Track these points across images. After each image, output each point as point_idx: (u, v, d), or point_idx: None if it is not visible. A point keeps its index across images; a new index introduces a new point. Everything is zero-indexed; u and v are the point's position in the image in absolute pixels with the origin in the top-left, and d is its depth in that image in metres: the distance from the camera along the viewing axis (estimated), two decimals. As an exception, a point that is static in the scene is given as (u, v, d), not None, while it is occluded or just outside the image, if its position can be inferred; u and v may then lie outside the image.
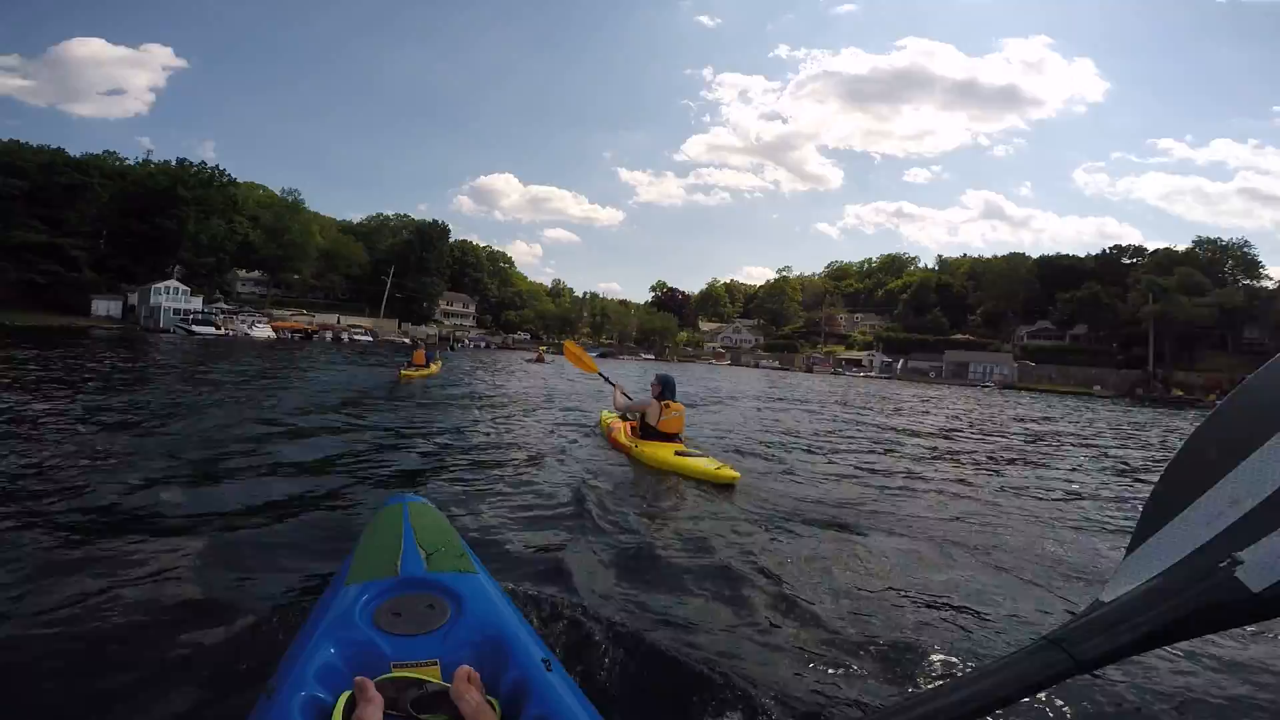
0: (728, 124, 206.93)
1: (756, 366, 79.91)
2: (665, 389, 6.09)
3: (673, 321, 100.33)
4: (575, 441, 6.99)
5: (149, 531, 3.21)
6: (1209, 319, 65.72)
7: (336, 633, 1.28)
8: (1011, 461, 8.77)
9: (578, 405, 11.38)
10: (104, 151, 61.88)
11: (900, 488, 5.92)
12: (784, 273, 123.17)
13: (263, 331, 51.55)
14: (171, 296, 54.12)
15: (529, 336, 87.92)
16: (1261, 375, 0.87)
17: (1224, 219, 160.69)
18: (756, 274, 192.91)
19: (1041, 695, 2.00)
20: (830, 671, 2.22)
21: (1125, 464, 9.45)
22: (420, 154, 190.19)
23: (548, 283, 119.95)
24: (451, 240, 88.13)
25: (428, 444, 6.32)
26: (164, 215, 56.55)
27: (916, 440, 10.66)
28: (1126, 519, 5.14)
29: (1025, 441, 11.89)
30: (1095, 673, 1.44)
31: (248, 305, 63.63)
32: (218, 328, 49.68)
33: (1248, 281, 73.23)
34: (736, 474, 5.20)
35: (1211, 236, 79.16)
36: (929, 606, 2.88)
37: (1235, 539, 0.76)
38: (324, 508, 3.81)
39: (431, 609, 1.35)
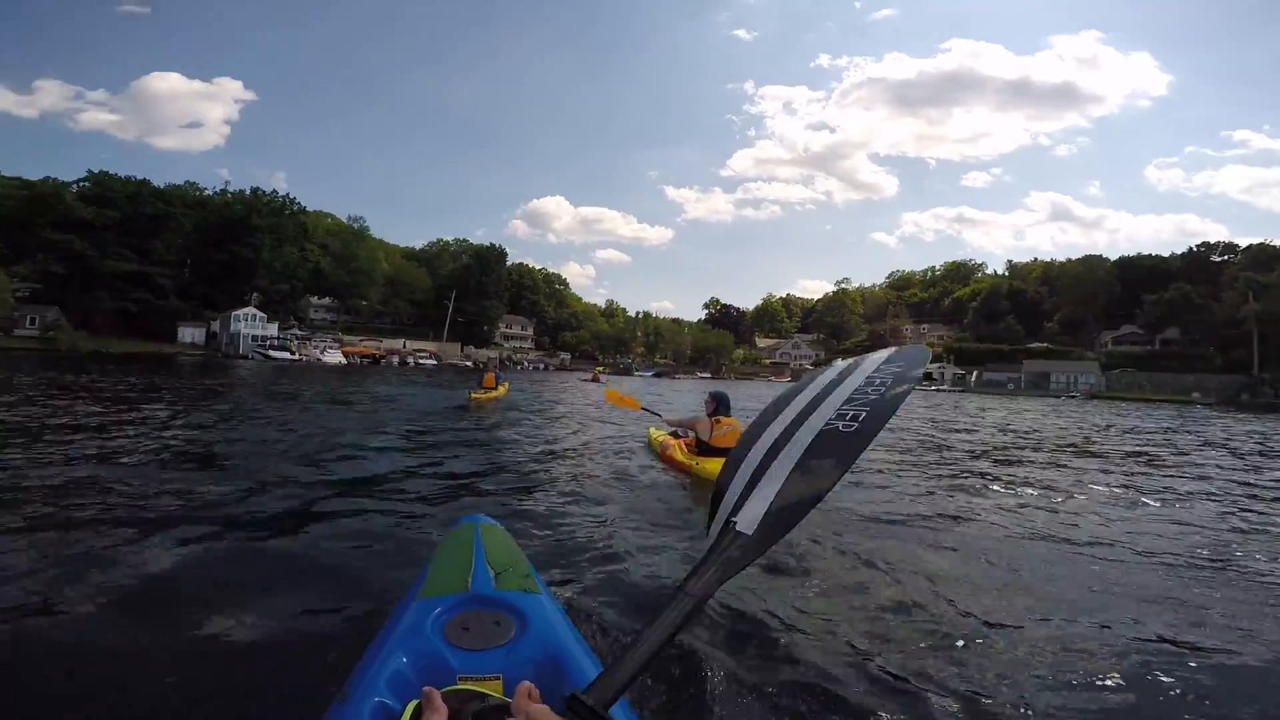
0: (773, 136, 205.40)
1: (819, 381, 77.57)
2: (720, 405, 6.06)
3: (728, 338, 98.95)
4: (632, 461, 6.96)
5: (241, 540, 3.49)
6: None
7: (408, 643, 1.34)
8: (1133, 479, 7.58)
9: (633, 421, 11.34)
10: (185, 182, 65.80)
11: (1016, 507, 5.40)
12: (843, 284, 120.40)
13: (334, 357, 53.24)
14: (249, 323, 56.49)
15: (588, 355, 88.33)
16: (768, 409, 1.60)
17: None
18: (812, 287, 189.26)
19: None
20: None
21: None
22: (476, 180, 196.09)
23: (601, 303, 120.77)
24: (509, 264, 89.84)
25: (495, 465, 6.39)
26: (240, 243, 59.33)
27: (1023, 454, 9.60)
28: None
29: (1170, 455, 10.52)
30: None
31: (319, 331, 66.05)
32: (292, 353, 51.62)
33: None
34: None
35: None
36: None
37: (737, 509, 1.31)
38: (400, 524, 3.96)
39: (498, 625, 1.41)
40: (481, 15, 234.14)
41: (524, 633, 1.39)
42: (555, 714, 0.89)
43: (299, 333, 60.89)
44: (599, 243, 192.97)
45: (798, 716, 1.99)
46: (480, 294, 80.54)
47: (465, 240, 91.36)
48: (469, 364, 65.31)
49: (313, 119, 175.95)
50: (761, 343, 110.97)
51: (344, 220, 77.10)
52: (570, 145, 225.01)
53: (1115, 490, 6.78)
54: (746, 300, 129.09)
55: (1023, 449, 10.88)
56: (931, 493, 6.06)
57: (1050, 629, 2.78)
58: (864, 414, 1.43)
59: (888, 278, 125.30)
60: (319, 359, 50.91)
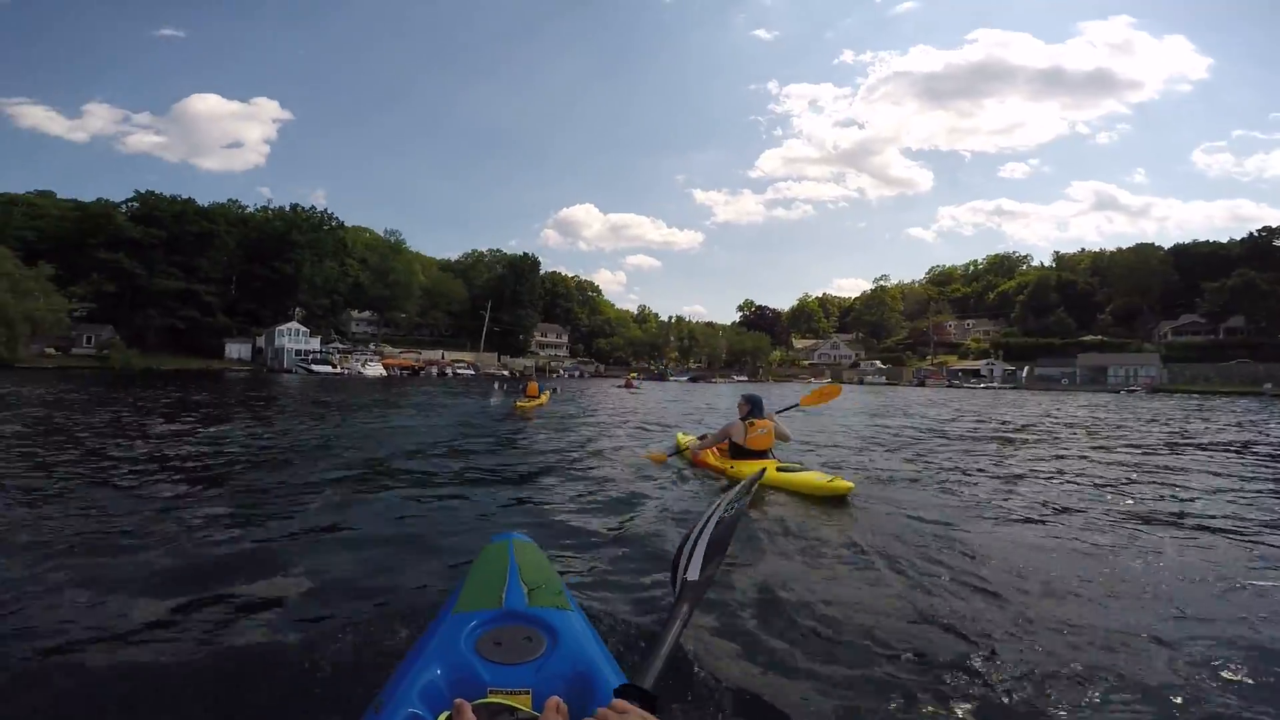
0: (801, 135, 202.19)
1: (860, 383, 75.64)
2: (754, 408, 5.98)
3: (765, 340, 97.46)
4: (667, 469, 6.72)
5: (282, 549, 3.57)
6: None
7: (442, 656, 1.39)
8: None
9: (663, 430, 11.26)
10: (228, 200, 67.66)
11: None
12: (881, 282, 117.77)
13: (375, 369, 53.77)
14: (293, 338, 57.49)
15: (622, 361, 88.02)
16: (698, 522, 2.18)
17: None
18: (849, 286, 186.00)
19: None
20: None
21: None
22: (507, 191, 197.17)
23: (633, 309, 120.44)
24: (541, 272, 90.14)
25: (534, 476, 6.33)
26: (282, 259, 60.56)
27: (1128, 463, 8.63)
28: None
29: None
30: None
31: (360, 344, 67.02)
32: (334, 366, 52.27)
33: None
34: (850, 484, 4.93)
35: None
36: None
37: (690, 564, 1.89)
38: (440, 536, 3.96)
39: (529, 641, 1.44)
40: (507, 30, 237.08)
41: (555, 649, 1.42)
42: None
43: (340, 346, 61.82)
44: (629, 249, 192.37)
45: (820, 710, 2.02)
46: (515, 303, 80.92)
47: (499, 251, 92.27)
48: (505, 373, 65.40)
49: (348, 136, 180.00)
50: (799, 344, 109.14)
51: (380, 234, 78.35)
52: (597, 153, 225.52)
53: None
54: (781, 301, 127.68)
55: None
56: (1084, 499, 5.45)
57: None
58: (734, 509, 2.22)
59: (928, 273, 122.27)
60: (360, 372, 51.45)
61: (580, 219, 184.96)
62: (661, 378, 74.24)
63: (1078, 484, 6.44)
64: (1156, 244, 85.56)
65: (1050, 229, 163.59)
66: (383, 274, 70.28)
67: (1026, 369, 72.31)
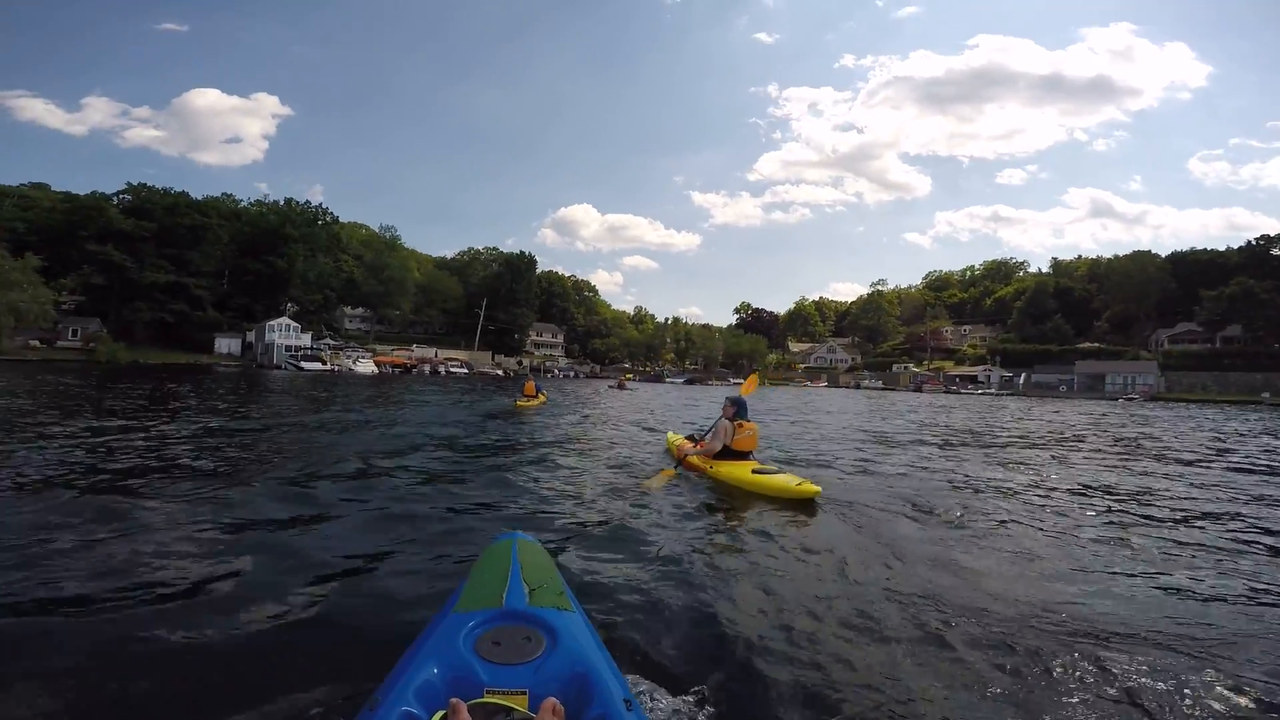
0: (800, 139, 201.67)
1: (856, 387, 75.25)
2: (739, 410, 6.22)
3: (761, 343, 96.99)
4: (658, 467, 6.85)
5: (284, 548, 3.58)
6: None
7: (440, 655, 1.38)
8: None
9: (654, 429, 11.37)
10: (222, 194, 66.59)
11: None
12: (878, 286, 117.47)
13: (366, 366, 52.95)
14: (284, 333, 56.46)
15: (618, 364, 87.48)
16: None
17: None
18: (845, 290, 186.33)
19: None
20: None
21: None
22: (505, 189, 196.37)
23: (630, 310, 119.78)
24: (538, 271, 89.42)
25: (533, 475, 6.31)
26: (275, 254, 59.61)
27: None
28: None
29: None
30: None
31: (353, 341, 66.10)
32: (324, 363, 51.40)
33: None
34: (817, 488, 5.17)
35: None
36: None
37: None
38: (441, 535, 3.96)
39: (528, 641, 1.44)
40: (509, 29, 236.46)
41: (554, 650, 1.41)
42: None
43: (332, 342, 60.86)
44: (626, 249, 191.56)
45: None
46: (511, 302, 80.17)
47: (496, 249, 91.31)
48: (500, 372, 64.76)
49: (347, 133, 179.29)
50: (795, 347, 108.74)
51: (376, 230, 77.53)
52: (596, 153, 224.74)
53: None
54: (777, 304, 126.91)
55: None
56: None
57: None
58: None
59: (925, 278, 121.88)
60: (351, 369, 50.67)
61: (578, 219, 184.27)
62: (658, 379, 73.79)
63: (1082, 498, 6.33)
64: (1153, 252, 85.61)
65: (1046, 235, 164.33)
66: (377, 270, 69.36)
67: (1024, 375, 72.05)
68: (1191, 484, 7.47)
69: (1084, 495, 6.45)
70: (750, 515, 4.77)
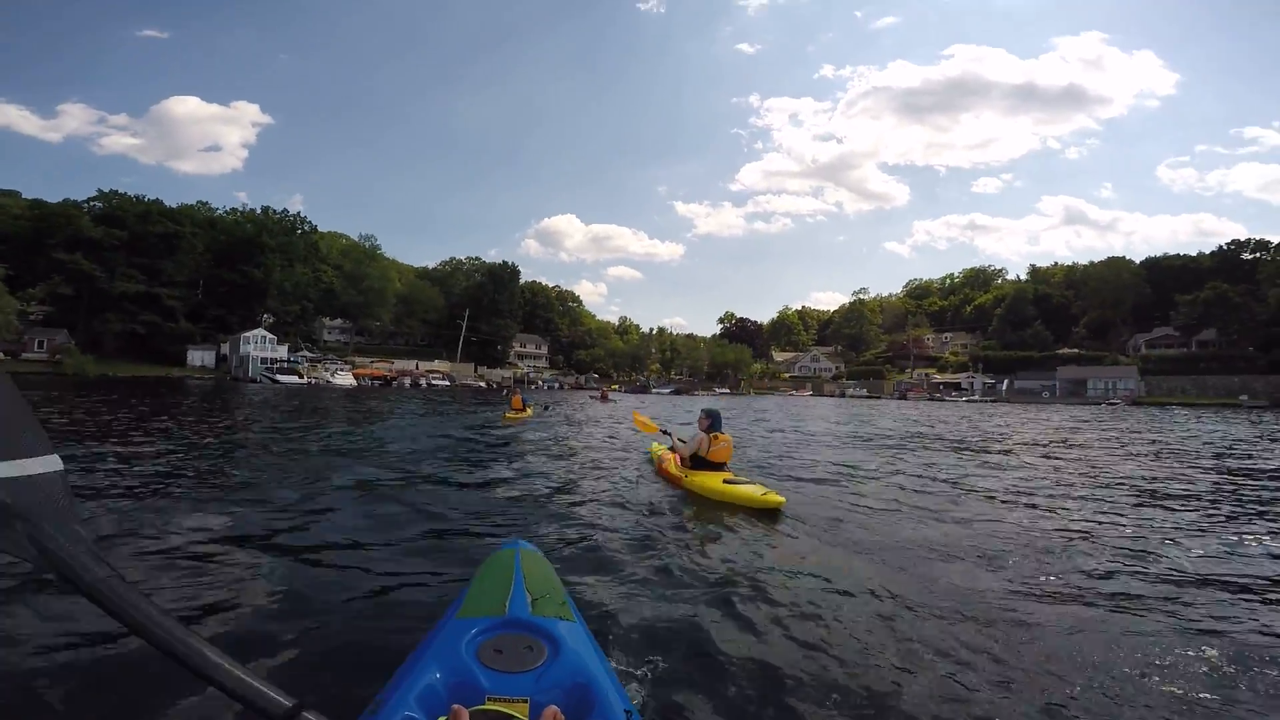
0: (781, 149, 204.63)
1: (841, 396, 75.32)
2: (714, 422, 6.39)
3: (746, 353, 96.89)
4: (642, 477, 7.24)
5: (288, 553, 3.62)
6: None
7: (442, 661, 1.39)
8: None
9: (640, 441, 11.20)
10: (197, 202, 64.99)
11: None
12: (860, 295, 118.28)
13: (345, 379, 51.65)
14: (259, 345, 54.95)
15: (598, 376, 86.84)
16: None
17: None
18: (826, 299, 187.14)
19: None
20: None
21: None
22: (488, 200, 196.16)
23: (614, 321, 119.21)
24: (522, 282, 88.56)
25: (524, 487, 6.42)
26: (251, 263, 58.10)
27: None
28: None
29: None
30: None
31: (331, 353, 64.65)
32: (300, 376, 50.06)
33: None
34: (782, 499, 5.38)
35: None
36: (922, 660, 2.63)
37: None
38: (441, 544, 4.07)
39: (530, 650, 1.44)
40: (494, 39, 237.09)
41: (555, 659, 1.42)
42: None
43: (309, 354, 59.43)
44: (610, 260, 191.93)
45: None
46: (494, 312, 79.14)
47: (478, 259, 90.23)
48: (483, 384, 63.75)
49: (328, 142, 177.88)
50: (779, 356, 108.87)
51: (356, 239, 76.28)
52: (580, 163, 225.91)
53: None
54: (761, 314, 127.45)
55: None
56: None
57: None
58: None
59: (905, 287, 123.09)
60: (329, 381, 49.37)
61: (562, 229, 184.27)
62: (644, 390, 73.17)
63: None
64: (1127, 258, 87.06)
65: (1022, 243, 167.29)
66: (356, 280, 68.02)
67: (1007, 382, 72.58)
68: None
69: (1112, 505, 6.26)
70: (726, 529, 4.86)
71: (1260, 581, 3.82)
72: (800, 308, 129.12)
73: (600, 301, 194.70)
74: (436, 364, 69.84)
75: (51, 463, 1.04)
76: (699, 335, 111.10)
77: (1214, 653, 2.73)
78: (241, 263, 57.88)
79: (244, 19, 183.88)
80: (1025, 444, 13.37)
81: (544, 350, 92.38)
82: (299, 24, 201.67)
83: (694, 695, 2.16)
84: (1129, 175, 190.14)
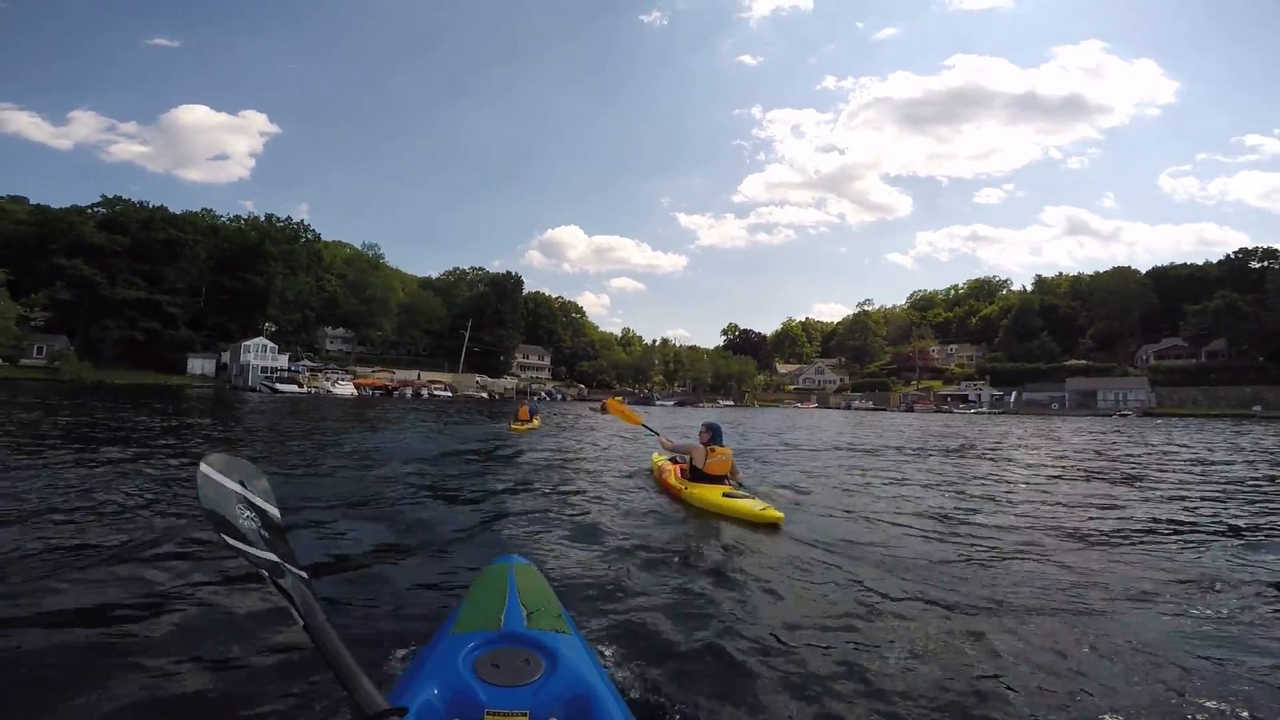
0: (783, 160, 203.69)
1: (847, 408, 74.54)
2: (714, 435, 6.33)
3: (750, 364, 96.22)
4: (641, 488, 7.19)
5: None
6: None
7: (440, 677, 1.39)
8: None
9: (643, 452, 11.15)
10: (201, 209, 64.61)
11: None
12: (864, 306, 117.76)
13: (345, 389, 51.09)
14: (259, 354, 54.43)
15: (606, 385, 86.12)
16: None
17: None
18: (829, 311, 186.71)
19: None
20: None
21: None
22: (492, 211, 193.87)
23: (617, 332, 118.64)
24: (525, 293, 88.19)
25: (527, 499, 6.38)
26: (253, 271, 57.72)
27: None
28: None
29: None
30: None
31: (333, 363, 64.09)
32: (300, 385, 49.50)
33: None
34: (780, 515, 5.33)
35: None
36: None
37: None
38: (436, 558, 3.99)
39: (527, 664, 1.45)
40: (498, 51, 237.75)
41: (553, 672, 1.42)
42: None
43: (309, 364, 58.87)
44: (613, 271, 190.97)
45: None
46: (497, 323, 78.68)
47: (482, 269, 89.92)
48: (484, 395, 63.07)
49: (333, 152, 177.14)
50: (782, 368, 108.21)
51: (359, 248, 76.01)
52: (583, 175, 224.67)
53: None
54: (764, 325, 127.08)
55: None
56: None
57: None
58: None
59: (909, 298, 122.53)
60: (329, 391, 48.80)
61: (565, 240, 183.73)
62: (648, 401, 72.42)
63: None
64: (1133, 268, 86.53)
65: (1025, 254, 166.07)
66: (359, 289, 67.61)
67: (1015, 394, 71.81)
68: None
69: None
70: (725, 541, 4.76)
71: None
72: (804, 319, 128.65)
73: (603, 313, 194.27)
74: (438, 374, 69.20)
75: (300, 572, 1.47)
76: (702, 347, 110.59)
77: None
78: (244, 270, 57.52)
79: (253, 28, 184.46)
80: (1056, 457, 12.79)
81: (546, 361, 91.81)
82: (306, 34, 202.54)
83: (695, 707, 2.16)
84: (1131, 185, 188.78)
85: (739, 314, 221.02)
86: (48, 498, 5.13)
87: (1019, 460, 11.95)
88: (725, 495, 5.74)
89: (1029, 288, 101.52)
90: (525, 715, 1.28)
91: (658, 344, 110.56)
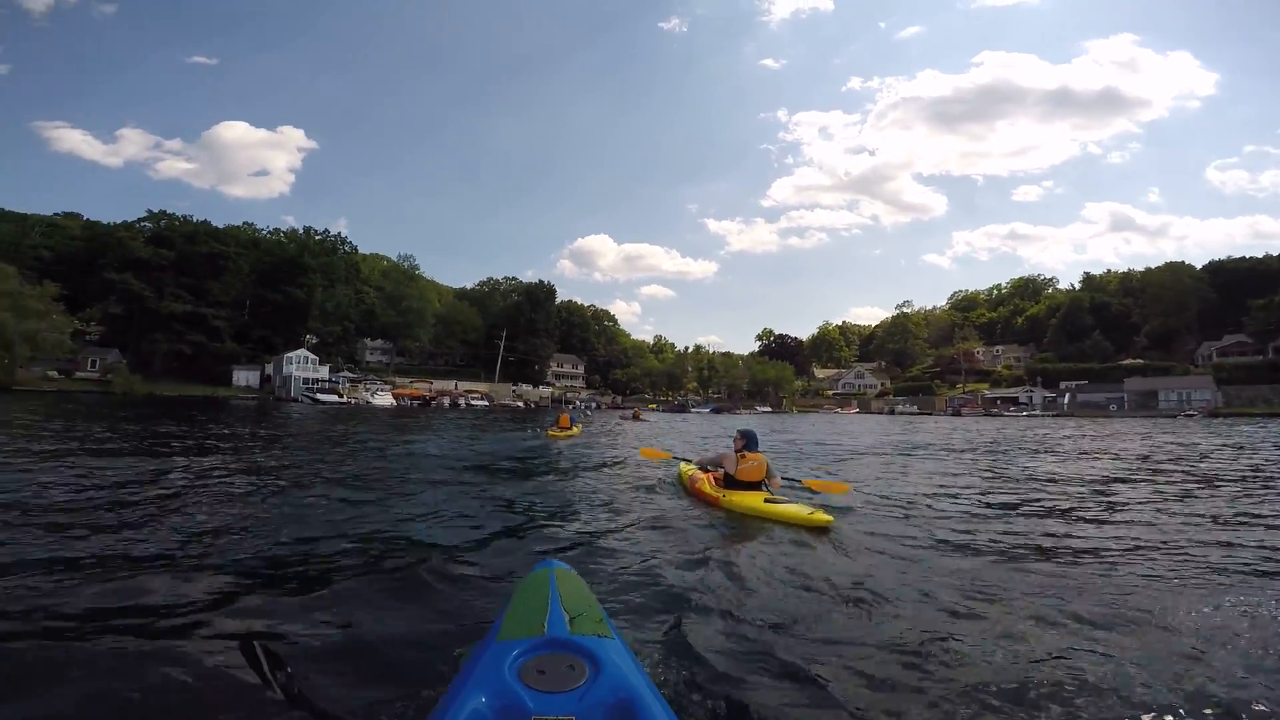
0: (812, 163, 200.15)
1: (890, 413, 72.35)
2: (749, 442, 6.36)
3: (788, 370, 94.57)
4: (675, 497, 7.07)
5: (328, 580, 3.57)
6: None
7: (486, 684, 1.41)
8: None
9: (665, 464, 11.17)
10: (243, 223, 65.92)
11: None
12: (903, 308, 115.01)
13: (384, 399, 51.47)
14: (301, 366, 55.17)
15: (638, 392, 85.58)
16: None
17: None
18: (866, 314, 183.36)
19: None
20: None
21: None
22: (523, 221, 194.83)
23: (649, 340, 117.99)
24: (557, 302, 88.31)
25: (570, 505, 6.37)
26: (293, 284, 58.61)
27: None
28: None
29: None
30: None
31: (372, 374, 64.75)
32: (340, 395, 50.01)
33: None
34: (829, 518, 5.29)
35: None
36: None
37: None
38: (479, 565, 3.98)
39: (572, 669, 1.46)
40: (522, 62, 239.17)
41: (597, 677, 1.43)
42: None
43: (349, 375, 59.57)
44: (643, 279, 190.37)
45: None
46: (530, 332, 78.79)
47: (515, 279, 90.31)
48: (520, 404, 63.02)
49: (367, 165, 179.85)
50: (820, 373, 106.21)
51: (395, 260, 77.05)
52: (611, 183, 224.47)
53: None
54: (799, 330, 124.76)
55: None
56: None
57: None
58: None
59: (949, 299, 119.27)
60: (369, 401, 49.20)
61: (595, 249, 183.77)
62: (683, 409, 71.32)
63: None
64: (1188, 263, 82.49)
65: (1067, 251, 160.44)
66: (396, 301, 68.40)
67: (1069, 395, 68.88)
68: None
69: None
70: (769, 546, 4.72)
71: None
72: (840, 323, 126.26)
73: (635, 320, 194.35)
74: (475, 384, 69.47)
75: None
76: (736, 353, 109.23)
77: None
78: (284, 283, 58.49)
79: (289, 45, 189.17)
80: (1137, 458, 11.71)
81: (580, 370, 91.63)
82: (335, 49, 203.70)
83: (741, 711, 2.14)
84: (1176, 178, 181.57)
85: (773, 319, 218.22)
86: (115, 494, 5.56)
87: (1115, 463, 10.87)
88: (766, 501, 5.76)
89: (1076, 286, 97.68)
90: None
91: (691, 350, 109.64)
